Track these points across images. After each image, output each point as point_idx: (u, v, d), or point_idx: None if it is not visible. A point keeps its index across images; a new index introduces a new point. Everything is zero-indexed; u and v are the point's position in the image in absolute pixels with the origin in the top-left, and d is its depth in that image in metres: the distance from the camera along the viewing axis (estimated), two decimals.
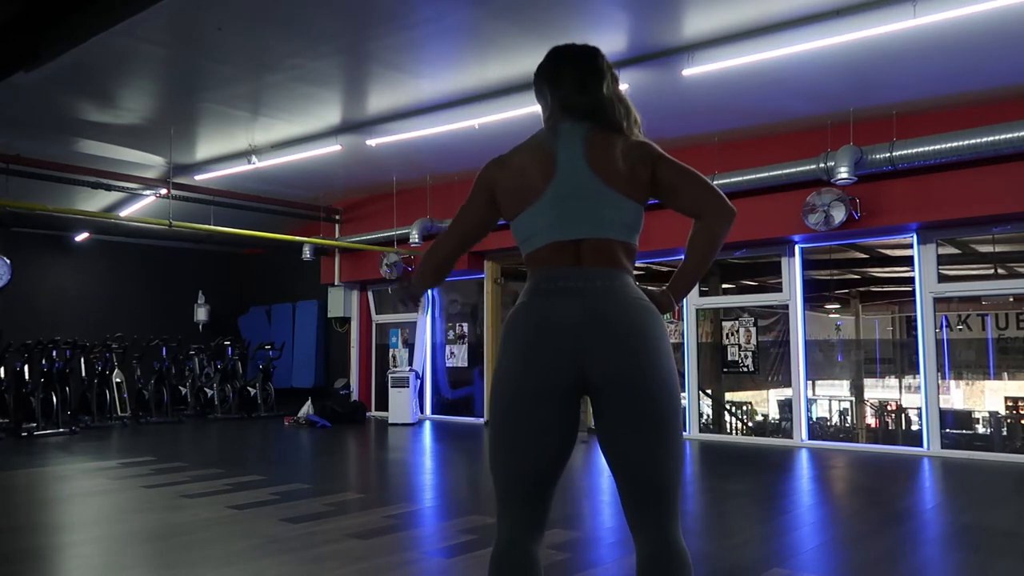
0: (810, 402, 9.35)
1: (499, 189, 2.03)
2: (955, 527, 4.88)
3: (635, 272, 2.05)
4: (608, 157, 1.95)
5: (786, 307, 8.74)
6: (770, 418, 10.58)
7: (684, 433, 9.17)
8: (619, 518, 4.88)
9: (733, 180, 8.26)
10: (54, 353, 10.39)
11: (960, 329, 8.69)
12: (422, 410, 11.85)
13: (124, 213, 11.41)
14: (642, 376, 1.85)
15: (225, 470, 6.84)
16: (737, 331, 9.29)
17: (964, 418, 9.23)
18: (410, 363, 12.00)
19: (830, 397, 10.90)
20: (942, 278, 7.95)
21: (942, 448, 7.69)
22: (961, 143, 6.89)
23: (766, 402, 10.85)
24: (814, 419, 9.77)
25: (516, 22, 5.95)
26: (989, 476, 6.72)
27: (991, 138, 6.75)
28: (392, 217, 11.20)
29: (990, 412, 9.23)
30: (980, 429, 9.02)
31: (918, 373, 7.99)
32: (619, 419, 1.86)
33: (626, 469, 1.88)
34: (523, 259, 2.03)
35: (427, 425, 11.14)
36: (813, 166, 7.71)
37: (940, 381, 7.98)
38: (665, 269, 11.34)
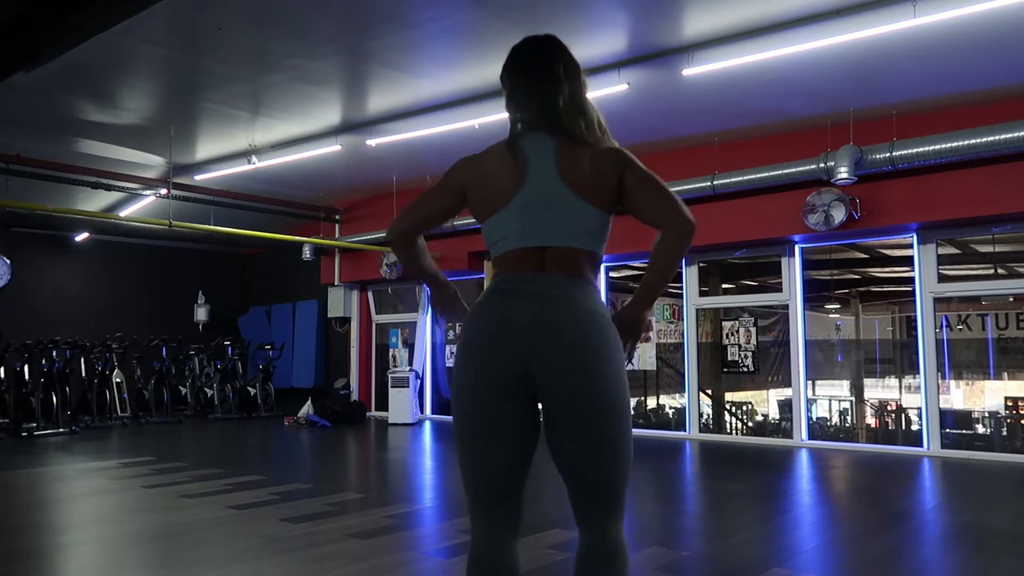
0: (810, 402, 9.35)
1: (470, 189, 2.07)
2: (955, 527, 4.88)
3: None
4: (577, 166, 1.97)
5: (786, 307, 8.74)
6: (770, 418, 10.58)
7: (685, 433, 9.27)
8: None
9: (733, 180, 8.27)
10: (54, 353, 10.38)
11: (960, 329, 8.69)
12: (422, 410, 11.85)
13: (124, 213, 11.40)
14: (586, 384, 1.87)
15: (225, 470, 6.84)
16: (737, 331, 9.29)
17: (964, 418, 9.22)
18: (410, 363, 12.01)
19: (830, 397, 10.90)
20: (942, 278, 7.95)
21: (942, 448, 7.69)
22: (961, 143, 6.89)
23: (766, 402, 10.85)
24: (814, 419, 9.77)
25: (516, 22, 5.95)
26: (989, 476, 6.71)
27: (991, 138, 6.75)
28: (392, 217, 11.14)
29: (990, 412, 9.23)
30: (980, 429, 9.02)
31: (918, 373, 7.99)
32: (562, 423, 1.89)
33: (568, 469, 1.92)
34: (492, 262, 2.07)
35: (427, 425, 11.14)
36: (813, 166, 7.71)
37: (940, 381, 7.98)
38: None
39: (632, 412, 2.00)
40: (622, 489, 1.94)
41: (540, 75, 2.06)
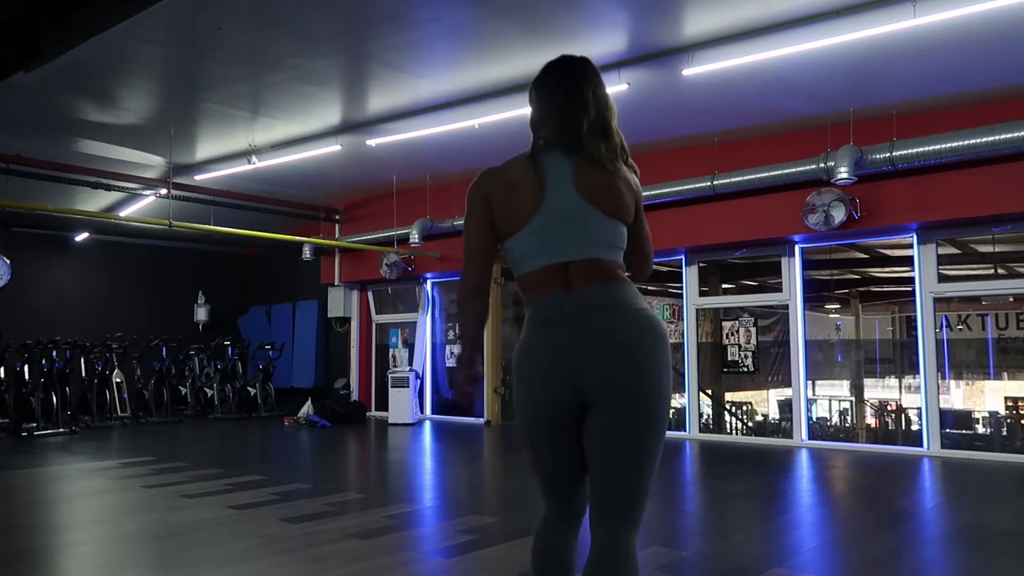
0: (810, 402, 9.35)
1: (494, 203, 2.07)
2: (955, 527, 4.88)
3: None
4: (595, 183, 2.02)
5: (786, 307, 8.74)
6: (770, 418, 10.58)
7: (685, 433, 9.27)
8: None
9: (733, 180, 8.27)
10: (54, 353, 10.38)
11: (960, 329, 8.68)
12: (422, 410, 11.85)
13: (124, 213, 11.40)
14: (637, 382, 1.94)
15: (225, 470, 6.84)
16: (737, 331, 9.29)
17: (964, 418, 9.23)
18: (410, 363, 12.00)
19: (830, 397, 10.90)
20: (942, 278, 7.95)
21: (942, 448, 7.69)
22: (961, 143, 6.89)
23: (766, 402, 10.86)
24: (814, 419, 9.77)
25: (516, 22, 5.95)
26: (989, 476, 6.71)
27: (991, 138, 6.75)
28: (392, 217, 11.20)
29: (990, 412, 9.23)
30: (980, 429, 9.02)
31: (918, 373, 7.99)
32: (610, 421, 1.95)
33: (600, 469, 1.98)
34: (516, 280, 2.09)
35: (427, 425, 11.14)
36: (813, 166, 7.71)
37: (940, 381, 7.98)
38: (665, 269, 11.34)
39: (666, 421, 2.03)
40: (644, 496, 1.98)
41: (567, 95, 2.07)
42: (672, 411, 10.77)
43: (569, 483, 2.07)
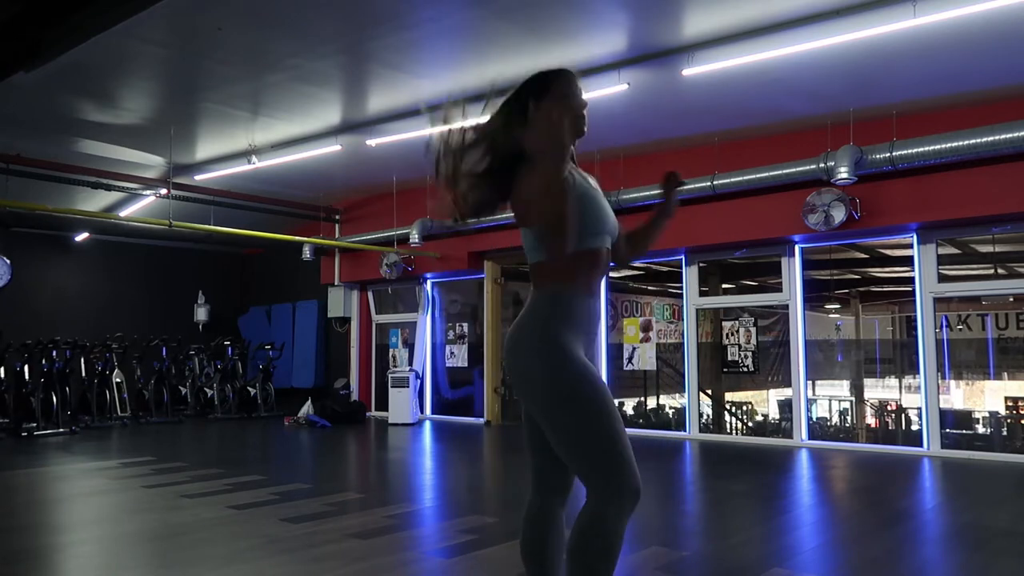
0: (810, 402, 9.35)
1: None
2: (955, 527, 4.88)
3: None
4: (517, 202, 2.33)
5: (786, 307, 8.74)
6: (770, 418, 10.58)
7: (685, 433, 9.26)
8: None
9: (733, 180, 8.28)
10: (54, 353, 10.38)
11: (960, 329, 8.69)
12: (422, 410, 11.85)
13: (124, 213, 11.41)
14: (517, 376, 2.24)
15: (225, 470, 6.84)
16: (737, 331, 9.29)
17: (964, 418, 9.22)
18: (410, 363, 12.00)
19: (830, 397, 10.90)
20: (942, 278, 7.95)
21: (942, 448, 7.69)
22: (961, 143, 6.89)
23: (766, 402, 10.86)
24: (814, 419, 9.77)
25: (516, 22, 5.95)
26: (989, 476, 6.71)
27: (991, 138, 6.75)
28: (392, 217, 11.20)
29: (990, 412, 9.23)
30: (980, 429, 9.02)
31: (918, 373, 7.99)
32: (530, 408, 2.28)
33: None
34: None
35: (427, 425, 11.14)
36: (813, 166, 7.71)
37: (940, 381, 7.98)
38: (665, 269, 11.35)
39: (586, 407, 2.16)
40: (594, 468, 2.15)
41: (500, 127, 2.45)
42: (672, 411, 10.77)
43: (532, 451, 2.37)
